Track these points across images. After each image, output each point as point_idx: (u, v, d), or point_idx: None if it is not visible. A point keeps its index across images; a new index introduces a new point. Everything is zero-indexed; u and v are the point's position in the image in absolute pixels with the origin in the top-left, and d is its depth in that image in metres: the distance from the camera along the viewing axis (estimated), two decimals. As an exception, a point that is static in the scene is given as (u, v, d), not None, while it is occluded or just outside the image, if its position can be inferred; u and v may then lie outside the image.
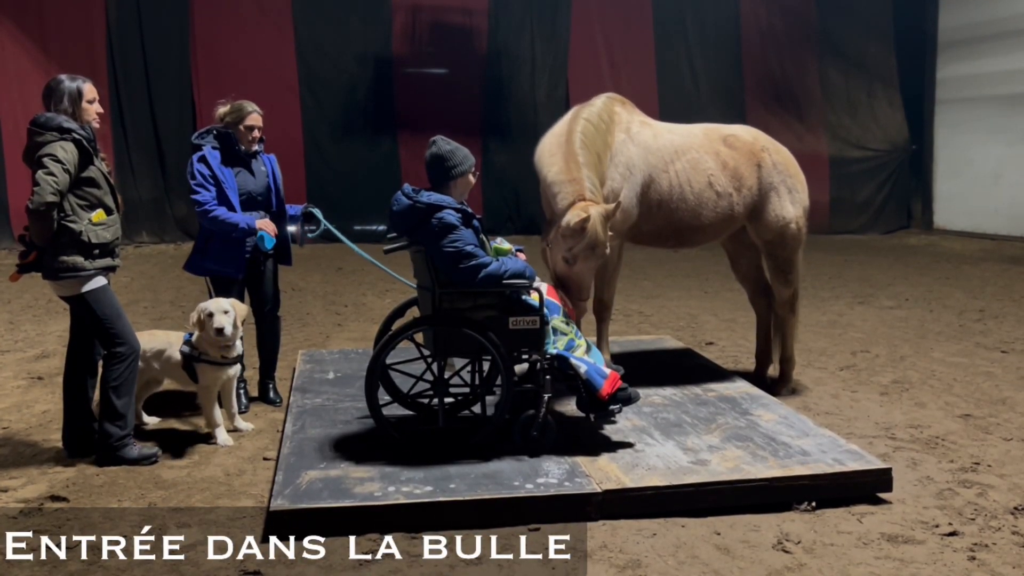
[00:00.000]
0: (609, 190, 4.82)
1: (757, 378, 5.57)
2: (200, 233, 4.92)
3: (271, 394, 5.20)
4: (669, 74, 14.84)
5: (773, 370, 5.64)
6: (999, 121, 14.36)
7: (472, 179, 4.20)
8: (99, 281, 4.10)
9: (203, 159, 4.78)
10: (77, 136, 3.96)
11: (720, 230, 5.26)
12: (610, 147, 4.85)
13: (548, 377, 4.08)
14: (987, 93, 14.63)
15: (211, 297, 4.74)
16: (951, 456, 4.43)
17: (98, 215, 4.05)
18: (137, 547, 3.34)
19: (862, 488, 3.86)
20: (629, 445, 4.15)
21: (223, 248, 4.80)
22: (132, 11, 13.06)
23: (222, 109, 4.91)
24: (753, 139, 5.32)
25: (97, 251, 4.04)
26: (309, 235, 5.20)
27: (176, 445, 4.48)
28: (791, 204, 5.26)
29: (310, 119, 13.90)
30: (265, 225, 4.81)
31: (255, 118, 4.91)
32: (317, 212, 5.14)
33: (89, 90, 4.10)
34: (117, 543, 3.37)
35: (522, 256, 4.37)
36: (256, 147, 5.01)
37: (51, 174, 3.84)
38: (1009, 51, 14.04)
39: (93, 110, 4.11)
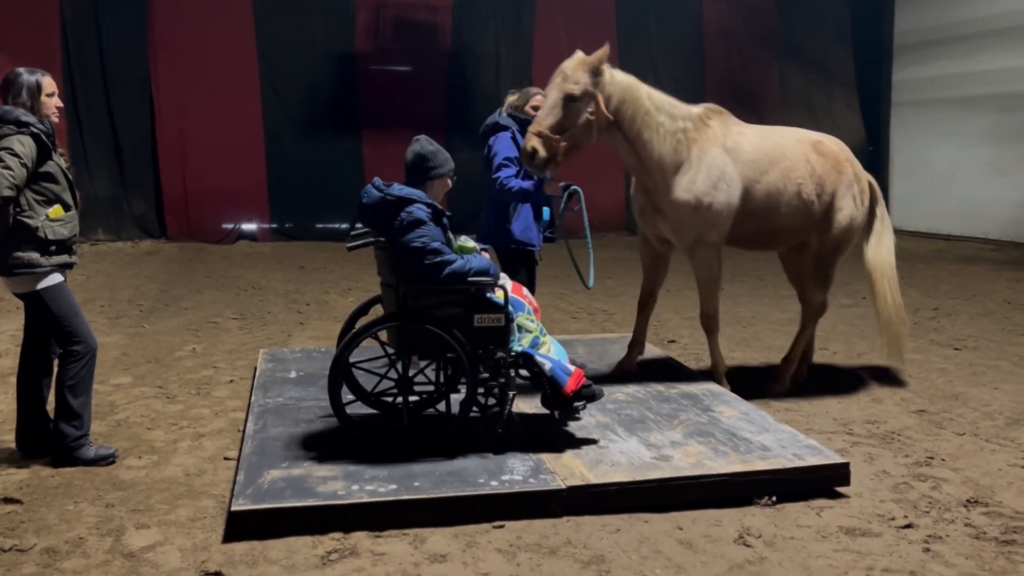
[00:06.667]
0: (695, 197, 4.96)
1: (795, 374, 5.76)
2: (498, 208, 5.15)
3: None
4: (632, 74, 14.91)
5: (805, 370, 5.81)
6: (953, 123, 14.71)
7: (449, 183, 4.24)
8: (55, 278, 4.02)
9: (514, 139, 5.12)
10: (35, 130, 3.88)
11: (800, 235, 5.45)
12: (687, 146, 4.99)
13: (513, 374, 4.09)
14: (942, 96, 14.97)
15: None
16: (906, 451, 4.54)
17: (56, 211, 3.97)
18: (94, 549, 3.29)
19: (821, 482, 3.93)
20: (593, 441, 4.18)
21: (527, 221, 5.16)
22: (88, 3, 12.78)
23: (511, 98, 5.30)
24: (840, 148, 5.55)
25: (54, 247, 3.97)
26: (573, 210, 5.32)
27: (135, 445, 4.41)
28: (855, 215, 5.49)
29: (271, 115, 13.72)
30: (550, 188, 5.07)
31: (539, 100, 5.18)
32: (580, 191, 5.23)
33: (48, 84, 4.02)
34: (73, 546, 3.32)
35: (486, 255, 4.38)
36: None
37: (8, 168, 3.76)
38: (963, 55, 14.39)
39: (52, 104, 4.04)
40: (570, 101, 4.70)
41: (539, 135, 4.65)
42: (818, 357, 6.53)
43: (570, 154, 4.80)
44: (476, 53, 14.65)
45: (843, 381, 5.90)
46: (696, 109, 5.18)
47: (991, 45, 13.87)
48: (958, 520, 3.68)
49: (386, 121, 13.68)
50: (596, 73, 4.76)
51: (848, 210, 5.42)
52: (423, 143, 4.18)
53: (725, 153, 5.06)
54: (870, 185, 5.64)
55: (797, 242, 5.55)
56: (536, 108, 5.23)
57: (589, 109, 4.75)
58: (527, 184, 5.03)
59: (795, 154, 5.27)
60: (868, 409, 5.28)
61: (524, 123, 5.20)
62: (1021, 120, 13.51)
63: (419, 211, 3.95)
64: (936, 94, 15.09)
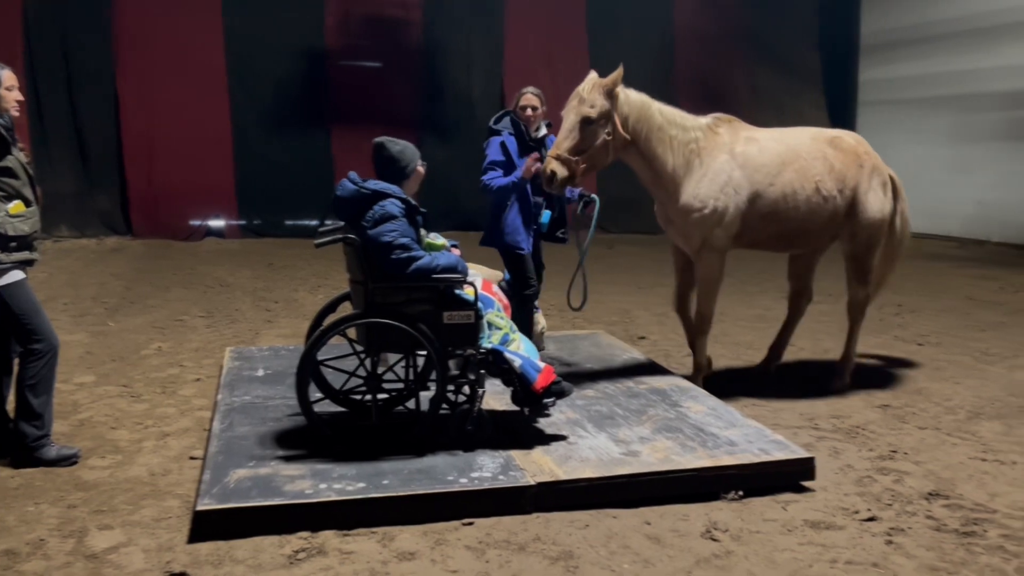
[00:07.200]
0: (700, 202, 5.03)
1: (761, 369, 5.98)
2: (492, 211, 5.32)
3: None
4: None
5: (773, 367, 5.98)
6: (917, 123, 14.95)
7: (422, 170, 4.25)
8: (16, 275, 3.94)
9: (503, 144, 5.26)
10: (-7, 124, 3.80)
11: (828, 232, 5.47)
12: (698, 155, 5.06)
13: (483, 371, 4.09)
14: (906, 96, 15.21)
15: (505, 270, 5.26)
16: (870, 445, 4.60)
17: (16, 207, 3.89)
18: (56, 551, 3.24)
19: (787, 477, 3.99)
20: (562, 438, 4.19)
21: (514, 223, 5.26)
22: (50, -6, 12.52)
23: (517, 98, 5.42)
24: (857, 142, 5.58)
25: (14, 244, 3.89)
26: (578, 212, 5.43)
27: (98, 445, 4.34)
28: (884, 207, 5.54)
29: (239, 111, 13.52)
30: (526, 168, 5.14)
31: (528, 98, 5.36)
32: (597, 200, 5.36)
33: (8, 77, 3.94)
34: (34, 548, 3.26)
35: (457, 252, 4.37)
36: (543, 131, 5.39)
37: (-36, 163, 3.68)
38: (926, 56, 14.64)
39: (12, 98, 3.96)
40: (587, 124, 4.79)
41: (558, 158, 4.74)
42: (786, 353, 6.60)
43: (587, 173, 4.91)
44: (447, 50, 14.59)
45: (810, 377, 5.97)
46: (705, 119, 5.25)
47: (955, 47, 14.12)
48: (920, 513, 3.75)
49: (356, 117, 13.56)
50: (611, 95, 4.85)
51: (874, 202, 5.47)
52: (387, 146, 4.15)
53: (732, 159, 5.11)
54: (891, 179, 5.68)
55: (829, 240, 5.59)
56: (524, 107, 5.35)
57: (606, 130, 4.83)
58: (506, 180, 5.15)
59: (810, 152, 5.32)
60: (833, 404, 5.35)
61: (517, 124, 5.32)
62: (983, 120, 13.76)
63: (392, 206, 3.94)
64: (901, 94, 15.33)
